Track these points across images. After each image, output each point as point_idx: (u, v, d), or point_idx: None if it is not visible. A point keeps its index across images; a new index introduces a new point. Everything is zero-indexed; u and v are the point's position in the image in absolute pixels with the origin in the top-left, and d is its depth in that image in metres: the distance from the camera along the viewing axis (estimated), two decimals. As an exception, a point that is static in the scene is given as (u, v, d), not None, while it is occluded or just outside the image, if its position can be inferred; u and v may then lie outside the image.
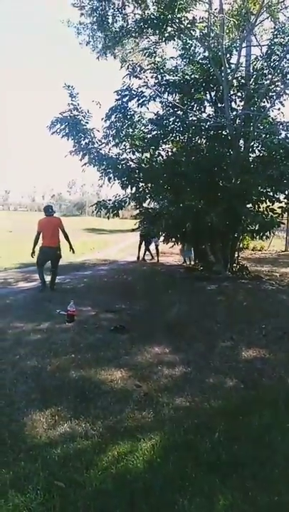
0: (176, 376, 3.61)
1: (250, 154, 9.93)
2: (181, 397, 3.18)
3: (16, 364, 3.75)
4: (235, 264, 9.94)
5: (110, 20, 10.03)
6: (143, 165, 9.72)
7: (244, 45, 9.99)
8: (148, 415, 2.88)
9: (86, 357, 3.97)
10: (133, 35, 10.43)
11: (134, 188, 9.60)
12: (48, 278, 7.49)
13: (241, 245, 11.15)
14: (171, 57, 10.63)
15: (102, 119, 9.73)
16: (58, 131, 9.11)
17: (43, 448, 2.46)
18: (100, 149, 9.58)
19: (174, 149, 10.41)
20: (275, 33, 9.69)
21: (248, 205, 9.33)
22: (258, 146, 9.94)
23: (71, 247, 7.69)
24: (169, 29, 9.72)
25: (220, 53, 9.25)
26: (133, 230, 11.46)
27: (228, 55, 9.64)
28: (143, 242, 12.50)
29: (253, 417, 2.89)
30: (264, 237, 9.31)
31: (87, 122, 9.29)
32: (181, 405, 3.05)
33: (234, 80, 9.75)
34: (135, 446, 2.49)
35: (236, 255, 10.35)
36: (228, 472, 2.28)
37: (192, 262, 11.70)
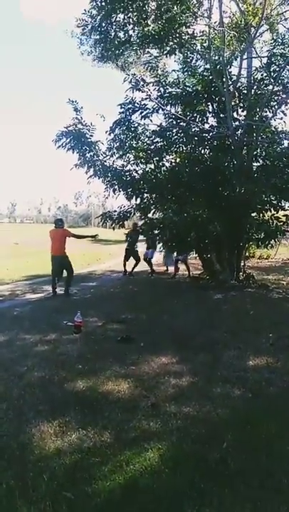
0: (183, 386, 3.60)
1: (254, 163, 10.00)
2: (189, 406, 3.17)
3: (23, 375, 3.78)
4: (241, 273, 9.92)
5: (112, 35, 10.24)
6: (147, 176, 9.84)
7: (245, 56, 10.17)
8: (156, 425, 2.88)
9: (93, 367, 3.99)
10: (135, 48, 10.66)
11: (138, 199, 9.70)
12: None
13: (247, 254, 11.13)
14: (173, 70, 10.87)
15: (107, 132, 9.90)
16: (64, 144, 9.28)
17: (51, 459, 2.47)
18: (105, 161, 9.73)
19: (178, 160, 10.52)
20: (275, 44, 9.85)
21: (253, 214, 9.36)
22: (260, 156, 10.02)
23: (91, 236, 9.44)
24: (170, 43, 9.93)
25: (221, 65, 9.42)
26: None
27: (229, 67, 9.80)
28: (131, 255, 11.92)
29: (262, 426, 2.87)
30: (269, 246, 9.30)
31: (91, 135, 9.46)
32: (188, 415, 3.04)
33: (235, 91, 9.89)
34: (143, 457, 2.49)
35: (242, 264, 10.34)
36: (237, 482, 2.27)
37: (169, 268, 11.70)
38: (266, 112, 9.90)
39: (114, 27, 10.10)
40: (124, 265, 11.70)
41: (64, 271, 8.24)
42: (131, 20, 9.80)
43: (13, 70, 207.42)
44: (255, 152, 9.77)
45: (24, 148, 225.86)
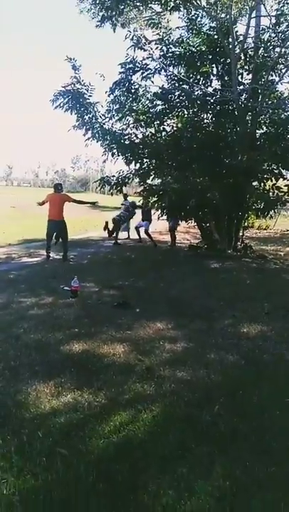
0: (177, 351, 3.65)
1: (257, 130, 9.70)
2: (183, 371, 3.22)
3: (20, 337, 3.80)
4: (239, 243, 9.90)
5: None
6: (147, 140, 9.55)
7: (253, 14, 9.58)
8: (149, 388, 2.93)
9: (89, 331, 4.02)
10: (136, 3, 10.02)
11: (138, 164, 9.46)
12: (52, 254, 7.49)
13: (246, 224, 11.04)
14: (177, 28, 10.25)
15: (106, 92, 9.49)
16: (61, 104, 8.93)
17: (46, 417, 2.51)
18: (104, 124, 9.41)
19: (179, 125, 10.18)
20: (284, 1, 9.22)
21: (254, 183, 9.19)
22: (265, 122, 9.69)
23: (91, 202, 9.26)
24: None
25: (227, 23, 8.89)
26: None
27: (235, 26, 9.27)
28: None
29: (253, 392, 2.93)
30: (269, 216, 9.22)
31: (90, 96, 9.11)
32: (182, 379, 3.09)
33: (242, 53, 9.41)
34: (136, 417, 2.54)
35: (241, 234, 10.29)
36: (227, 444, 2.33)
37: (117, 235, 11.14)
38: (272, 75, 9.48)
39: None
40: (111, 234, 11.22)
41: (59, 236, 8.23)
42: None
43: (12, 27, 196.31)
44: (259, 118, 9.44)
45: (22, 110, 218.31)
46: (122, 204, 11.63)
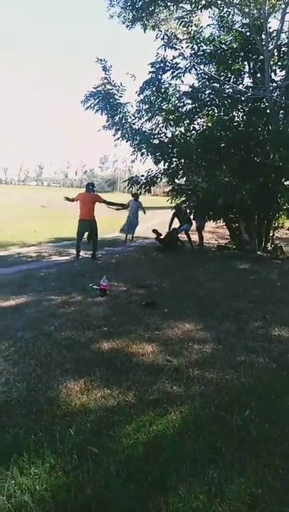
0: (207, 353, 3.60)
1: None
2: (212, 373, 3.18)
3: (50, 335, 3.88)
4: (269, 244, 9.66)
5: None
6: (177, 140, 9.49)
7: (288, 10, 9.30)
8: (179, 389, 2.90)
9: (118, 330, 4.04)
10: (167, 3, 9.98)
11: (167, 164, 9.43)
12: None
13: (276, 224, 10.76)
14: (208, 25, 10.14)
15: (136, 92, 9.53)
16: (92, 105, 9.04)
17: (77, 414, 2.54)
18: (133, 124, 9.43)
19: (209, 124, 10.06)
20: None
21: (286, 182, 8.94)
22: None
23: (120, 204, 9.07)
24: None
25: (261, 19, 8.69)
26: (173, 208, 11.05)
27: (269, 22, 9.04)
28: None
29: (285, 396, 2.85)
30: (301, 217, 8.94)
31: (120, 96, 9.16)
32: (211, 381, 3.05)
33: (275, 49, 9.16)
34: (166, 418, 2.52)
35: (271, 235, 10.05)
36: (258, 449, 2.27)
37: (131, 237, 11.29)
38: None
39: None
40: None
41: (89, 235, 8.35)
42: None
43: (45, 29, 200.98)
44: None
45: (53, 111, 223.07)
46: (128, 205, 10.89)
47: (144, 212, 11.38)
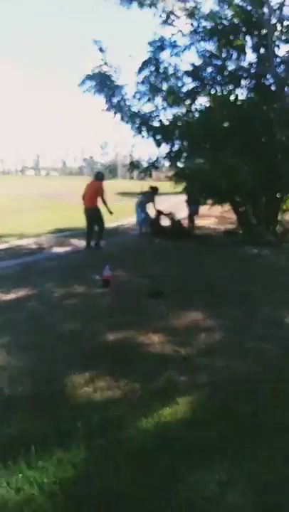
0: (215, 342, 3.55)
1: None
2: (220, 362, 3.13)
3: (54, 327, 3.83)
4: (278, 227, 9.50)
5: None
6: (178, 121, 9.26)
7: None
8: (187, 379, 2.86)
9: (123, 321, 3.99)
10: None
11: (168, 146, 9.24)
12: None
13: (285, 207, 10.56)
14: (206, 0, 9.75)
15: (136, 73, 9.28)
16: (89, 88, 8.83)
17: (83, 407, 2.51)
18: (133, 106, 9.21)
19: (212, 103, 9.77)
20: None
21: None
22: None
23: (109, 211, 8.19)
24: None
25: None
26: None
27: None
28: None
29: (297, 384, 2.80)
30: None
31: (118, 78, 8.94)
32: (220, 371, 3.00)
33: (278, 22, 8.81)
34: (174, 409, 2.48)
35: (280, 218, 9.87)
36: (269, 436, 2.24)
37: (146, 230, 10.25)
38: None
39: None
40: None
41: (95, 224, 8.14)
42: None
43: (35, 16, 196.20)
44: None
45: (49, 98, 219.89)
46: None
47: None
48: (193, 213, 10.58)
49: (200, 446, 2.15)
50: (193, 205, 10.26)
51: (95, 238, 8.12)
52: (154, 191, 10.09)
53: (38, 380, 2.85)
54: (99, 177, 8.24)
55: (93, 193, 7.99)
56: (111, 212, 8.23)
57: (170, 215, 10.07)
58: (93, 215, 8.02)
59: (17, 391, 2.70)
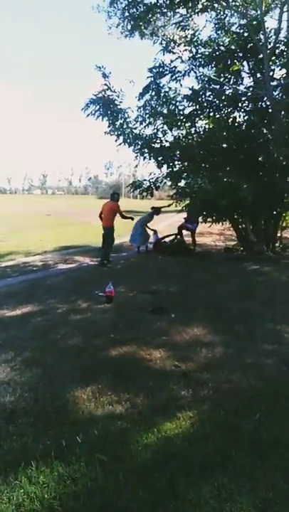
0: (215, 357, 3.57)
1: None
2: (221, 377, 3.15)
3: (57, 343, 3.88)
4: (277, 244, 9.58)
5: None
6: (179, 143, 9.50)
7: (285, 8, 9.29)
8: (187, 394, 2.88)
9: (125, 337, 4.03)
10: (164, 10, 10.02)
11: (169, 167, 9.44)
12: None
13: (284, 224, 10.67)
14: (204, 27, 10.19)
15: (136, 97, 9.58)
16: (93, 112, 9.10)
17: (84, 423, 2.53)
18: (135, 128, 9.47)
19: (211, 125, 10.04)
20: None
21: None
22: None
23: (129, 217, 9.21)
24: (202, 0, 9.27)
25: (259, 18, 8.69)
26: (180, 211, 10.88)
27: (266, 21, 9.03)
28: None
29: (296, 399, 2.80)
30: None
31: (121, 102, 9.21)
32: (220, 386, 3.02)
33: (274, 49, 9.13)
34: (174, 424, 2.50)
35: (279, 234, 9.96)
36: (269, 453, 2.24)
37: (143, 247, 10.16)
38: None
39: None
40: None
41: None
42: None
43: (42, 40, 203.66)
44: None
45: (57, 120, 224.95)
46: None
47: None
48: (193, 231, 10.68)
49: (200, 462, 2.16)
50: (193, 223, 10.36)
51: (101, 255, 8.30)
52: (156, 211, 10.24)
53: (40, 395, 2.88)
54: (115, 197, 8.61)
55: (109, 213, 8.40)
56: (132, 218, 9.29)
57: (176, 237, 10.25)
58: (106, 234, 8.39)
59: (20, 406, 2.73)
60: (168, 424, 2.50)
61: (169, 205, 10.01)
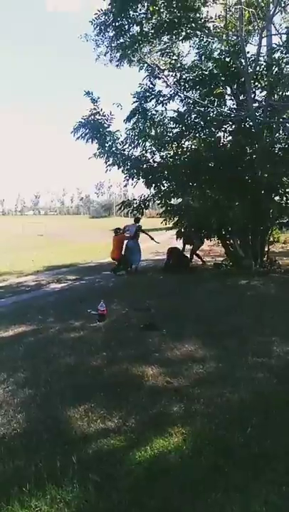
0: (206, 372, 3.60)
1: (276, 145, 9.68)
2: (212, 392, 3.16)
3: (50, 362, 3.88)
4: (265, 259, 9.73)
5: (126, 28, 10.14)
6: (167, 163, 9.73)
7: (264, 34, 9.78)
8: (179, 410, 2.89)
9: (117, 354, 4.04)
10: (150, 39, 10.45)
11: (157, 187, 9.63)
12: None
13: (271, 239, 10.87)
14: (188, 53, 10.69)
15: (124, 120, 9.84)
16: (83, 135, 9.30)
17: (77, 443, 2.52)
18: (123, 150, 9.68)
19: (197, 145, 10.33)
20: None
21: (276, 198, 9.11)
22: (283, 138, 9.68)
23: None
24: (185, 29, 9.71)
25: (239, 44, 9.11)
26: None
27: (246, 46, 9.47)
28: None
29: (286, 411, 2.83)
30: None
31: (109, 125, 9.44)
32: (212, 400, 3.03)
33: (254, 72, 9.54)
34: (167, 441, 2.51)
35: (266, 249, 10.13)
36: (261, 467, 2.25)
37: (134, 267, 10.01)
38: (288, 91, 9.51)
39: (128, 21, 9.97)
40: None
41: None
42: (143, 12, 9.70)
43: (31, 64, 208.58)
44: (277, 134, 9.45)
45: (48, 141, 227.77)
46: (126, 230, 10.41)
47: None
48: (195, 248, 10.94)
49: (192, 478, 2.17)
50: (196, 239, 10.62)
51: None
52: (136, 220, 10.45)
53: (32, 416, 2.87)
54: (118, 232, 10.01)
55: (119, 245, 9.77)
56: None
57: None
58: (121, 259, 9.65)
59: (11, 428, 2.71)
60: (160, 440, 2.51)
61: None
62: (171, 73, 10.01)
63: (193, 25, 9.71)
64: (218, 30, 10.08)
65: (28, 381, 3.44)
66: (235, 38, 9.88)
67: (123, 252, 9.94)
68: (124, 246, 9.95)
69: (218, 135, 10.10)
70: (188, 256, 10.75)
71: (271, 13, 9.48)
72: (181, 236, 10.67)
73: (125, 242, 9.99)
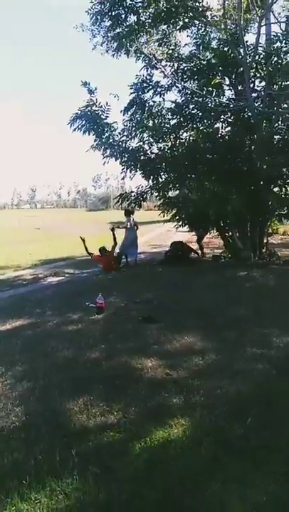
0: (206, 364, 3.59)
1: (275, 136, 9.59)
2: (212, 384, 3.16)
3: (48, 355, 3.87)
4: (264, 250, 9.71)
5: (123, 18, 9.96)
6: (164, 155, 9.64)
7: (263, 23, 9.63)
8: (179, 402, 2.89)
9: (116, 347, 4.03)
10: (147, 28, 10.28)
11: (155, 179, 9.55)
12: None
13: (270, 230, 10.83)
14: (186, 45, 10.46)
15: (121, 111, 9.73)
16: (79, 127, 9.20)
17: (77, 435, 2.52)
18: (121, 142, 9.59)
19: (195, 137, 10.22)
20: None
21: (275, 189, 9.06)
22: (281, 129, 9.58)
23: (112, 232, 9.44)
24: (183, 18, 9.55)
25: (237, 33, 8.97)
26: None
27: (245, 35, 9.34)
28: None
29: (286, 402, 2.83)
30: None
31: (106, 116, 9.32)
32: (211, 392, 3.03)
33: (253, 62, 9.41)
34: (167, 433, 2.51)
35: (265, 241, 10.10)
36: (260, 458, 2.25)
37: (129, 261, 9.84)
38: (287, 81, 9.40)
39: (125, 10, 9.79)
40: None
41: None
42: (140, 1, 9.52)
43: (27, 53, 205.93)
44: (276, 124, 9.36)
45: (43, 133, 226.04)
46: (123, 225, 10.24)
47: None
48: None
49: (192, 470, 2.17)
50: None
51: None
52: (127, 213, 10.18)
53: (31, 409, 2.86)
54: (104, 253, 9.06)
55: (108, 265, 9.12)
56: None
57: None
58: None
59: (10, 421, 2.70)
60: (160, 432, 2.51)
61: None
62: (168, 63, 9.88)
63: (191, 14, 9.54)
64: (217, 19, 9.92)
65: (27, 374, 3.44)
66: (233, 27, 9.73)
67: (122, 242, 9.78)
68: (124, 236, 9.73)
69: (216, 126, 9.97)
70: (195, 247, 10.79)
71: (270, 1, 9.33)
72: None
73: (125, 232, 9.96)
